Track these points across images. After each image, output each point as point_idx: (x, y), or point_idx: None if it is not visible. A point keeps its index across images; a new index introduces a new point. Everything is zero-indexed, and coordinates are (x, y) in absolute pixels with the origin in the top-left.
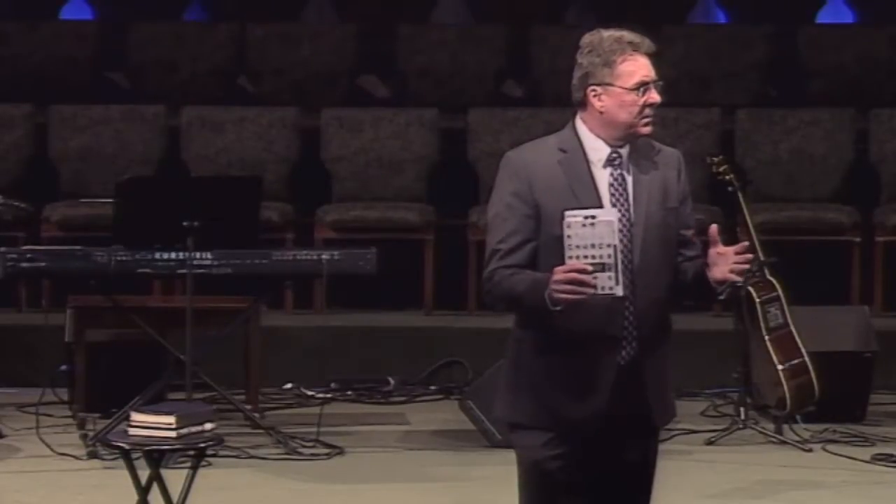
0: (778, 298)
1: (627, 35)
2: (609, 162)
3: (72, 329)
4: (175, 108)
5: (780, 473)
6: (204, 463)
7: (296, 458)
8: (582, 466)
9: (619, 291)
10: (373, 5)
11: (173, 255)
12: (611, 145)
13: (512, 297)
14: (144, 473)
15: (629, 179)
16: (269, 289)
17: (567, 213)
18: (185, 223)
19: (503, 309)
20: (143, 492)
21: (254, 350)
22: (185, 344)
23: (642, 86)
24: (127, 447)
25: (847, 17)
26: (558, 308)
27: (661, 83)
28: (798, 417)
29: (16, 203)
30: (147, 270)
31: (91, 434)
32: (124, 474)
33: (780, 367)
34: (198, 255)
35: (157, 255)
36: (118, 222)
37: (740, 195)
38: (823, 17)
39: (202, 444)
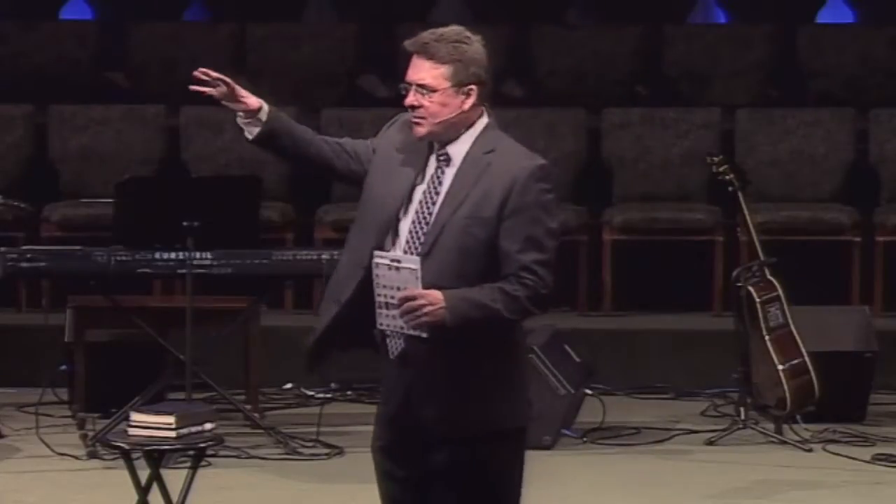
0: (778, 298)
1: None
2: (437, 157)
3: (72, 329)
4: (175, 108)
5: (780, 473)
6: (204, 463)
7: (296, 458)
8: (397, 460)
9: (422, 333)
10: (373, 5)
11: (173, 255)
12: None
13: None
14: (144, 473)
15: (447, 179)
16: (269, 289)
17: (376, 253)
18: (185, 223)
19: None
20: (143, 492)
21: (254, 350)
22: (185, 344)
23: (405, 87)
24: (127, 447)
25: (847, 17)
26: None
27: (414, 86)
28: (798, 417)
29: (16, 203)
30: (147, 270)
31: (91, 434)
32: (124, 474)
33: (780, 367)
34: (198, 255)
35: (157, 255)
36: (118, 222)
37: (740, 195)
38: (823, 17)
39: (202, 444)
